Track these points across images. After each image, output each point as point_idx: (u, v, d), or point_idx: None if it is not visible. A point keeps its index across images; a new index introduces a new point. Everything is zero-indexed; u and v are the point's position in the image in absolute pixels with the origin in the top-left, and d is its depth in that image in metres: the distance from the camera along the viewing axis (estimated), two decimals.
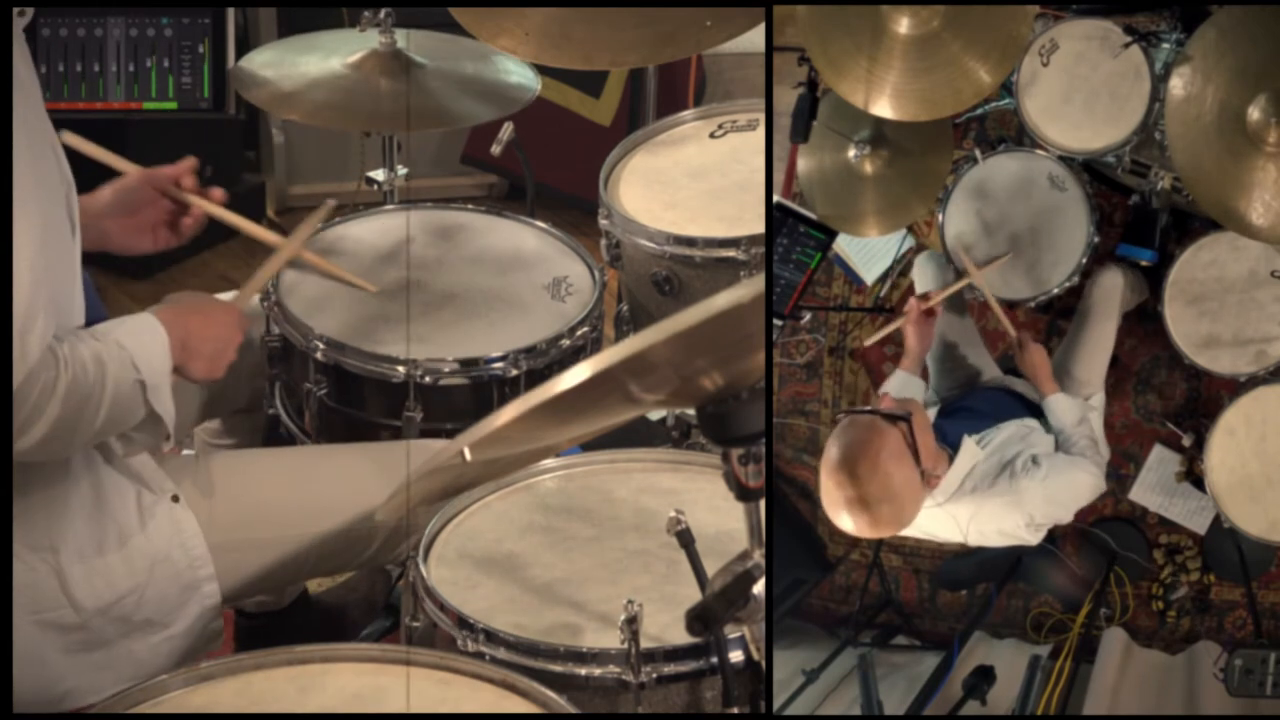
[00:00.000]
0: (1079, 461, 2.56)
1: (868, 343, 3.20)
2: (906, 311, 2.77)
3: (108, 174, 2.60)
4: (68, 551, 2.23)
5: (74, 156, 2.27)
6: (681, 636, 1.70)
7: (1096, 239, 2.87)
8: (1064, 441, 2.63)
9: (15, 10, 2.04)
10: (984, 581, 3.41)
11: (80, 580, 2.24)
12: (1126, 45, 2.71)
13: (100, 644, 2.29)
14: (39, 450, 2.07)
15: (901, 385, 2.71)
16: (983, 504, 2.46)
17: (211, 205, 2.61)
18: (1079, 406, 2.71)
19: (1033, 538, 2.54)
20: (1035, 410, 2.72)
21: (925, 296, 2.81)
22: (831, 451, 2.30)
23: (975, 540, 2.54)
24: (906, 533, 2.60)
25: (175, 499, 2.36)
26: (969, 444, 2.46)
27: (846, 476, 2.26)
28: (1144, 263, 2.89)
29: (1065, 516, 2.57)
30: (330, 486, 2.50)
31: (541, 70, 3.18)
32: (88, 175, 2.40)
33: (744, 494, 1.64)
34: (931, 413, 2.64)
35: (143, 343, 2.19)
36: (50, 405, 2.03)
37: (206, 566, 2.37)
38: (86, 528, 2.26)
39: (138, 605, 2.30)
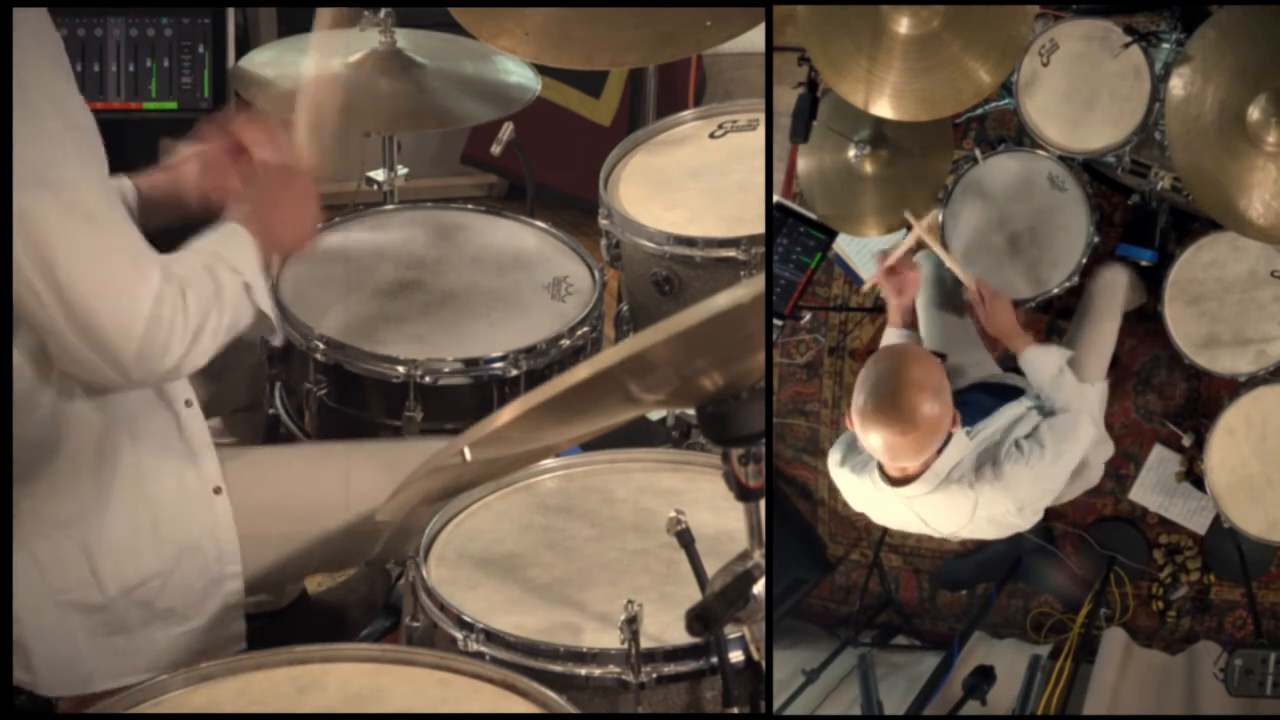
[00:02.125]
0: (1061, 425, 2.54)
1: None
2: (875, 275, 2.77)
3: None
4: (99, 529, 2.24)
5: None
6: (681, 636, 1.70)
7: (1096, 239, 2.87)
8: (1046, 401, 2.61)
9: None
10: (984, 581, 3.41)
11: (108, 559, 2.25)
12: (1126, 45, 2.71)
13: (123, 629, 2.30)
14: (182, 368, 2.14)
15: (893, 341, 2.72)
16: (970, 494, 2.47)
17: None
18: (1055, 358, 2.66)
19: (1025, 523, 2.55)
20: None
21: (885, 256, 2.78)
22: (874, 366, 2.34)
23: (967, 532, 2.55)
24: (904, 528, 2.61)
25: (218, 491, 2.37)
26: (958, 436, 2.46)
27: (888, 388, 2.30)
28: (1144, 263, 2.89)
29: (1058, 488, 2.57)
30: (336, 483, 2.50)
31: (541, 70, 3.18)
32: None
33: (744, 494, 1.64)
34: None
35: (235, 247, 2.26)
36: (183, 318, 2.10)
37: (235, 563, 2.38)
38: (121, 507, 2.27)
39: (161, 592, 2.31)
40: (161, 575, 2.31)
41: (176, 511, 2.32)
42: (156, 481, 2.31)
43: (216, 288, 2.18)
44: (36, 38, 2.04)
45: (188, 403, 2.36)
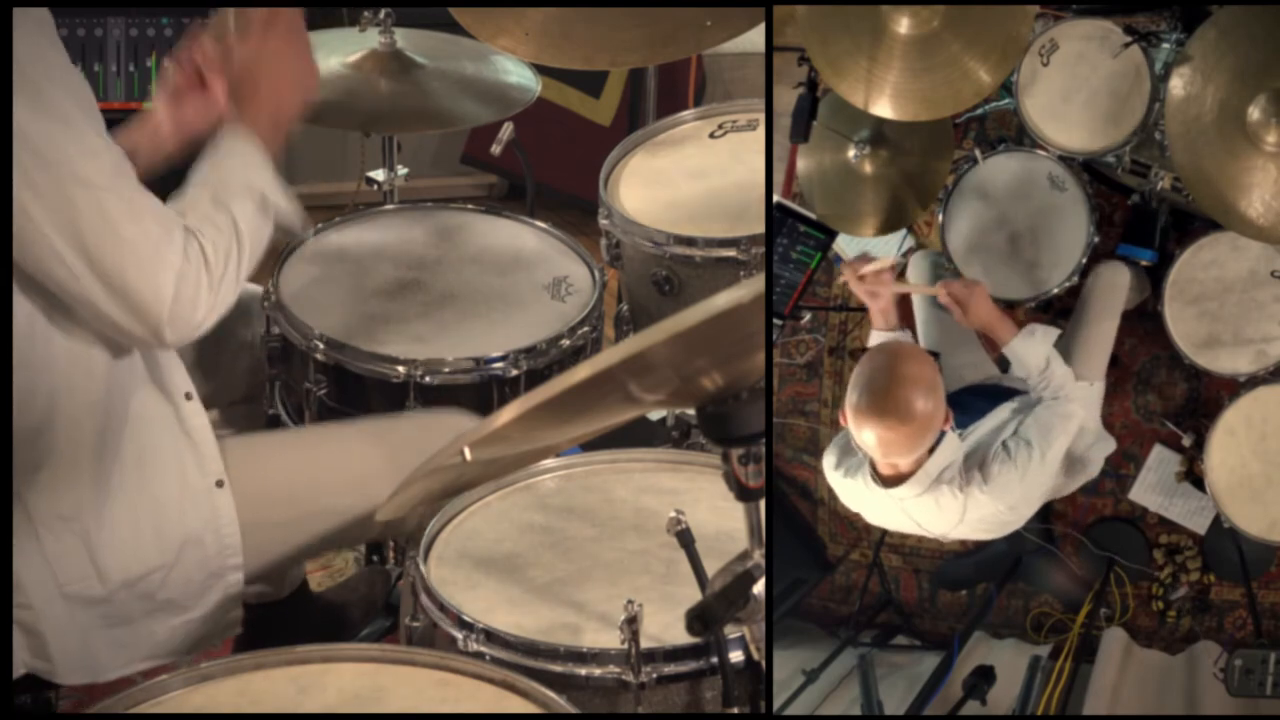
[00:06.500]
0: (1046, 416, 2.53)
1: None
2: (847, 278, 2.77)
3: None
4: (98, 523, 2.24)
5: None
6: (681, 636, 1.70)
7: (1096, 239, 2.87)
8: (1035, 391, 2.61)
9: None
10: (984, 581, 3.41)
11: (109, 552, 2.25)
12: (1126, 45, 2.71)
13: (123, 621, 2.30)
14: (210, 321, 2.16)
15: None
16: (961, 496, 2.46)
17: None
18: (1041, 344, 2.62)
19: (1019, 519, 2.55)
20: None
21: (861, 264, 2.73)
22: (868, 363, 2.33)
23: (960, 533, 2.55)
24: (897, 529, 2.61)
25: (220, 484, 2.36)
26: (950, 437, 2.46)
27: (881, 384, 2.29)
28: (1144, 262, 2.89)
29: (1048, 482, 2.56)
30: (337, 464, 2.49)
31: (541, 70, 3.18)
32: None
33: (744, 494, 1.64)
34: None
35: (239, 162, 2.24)
36: (205, 273, 2.12)
37: (236, 556, 2.37)
38: (122, 501, 2.26)
39: (162, 584, 2.31)
40: (163, 568, 2.30)
41: (178, 505, 2.31)
42: (158, 475, 2.30)
43: (232, 224, 2.17)
44: (38, 26, 2.07)
45: (188, 395, 2.35)
